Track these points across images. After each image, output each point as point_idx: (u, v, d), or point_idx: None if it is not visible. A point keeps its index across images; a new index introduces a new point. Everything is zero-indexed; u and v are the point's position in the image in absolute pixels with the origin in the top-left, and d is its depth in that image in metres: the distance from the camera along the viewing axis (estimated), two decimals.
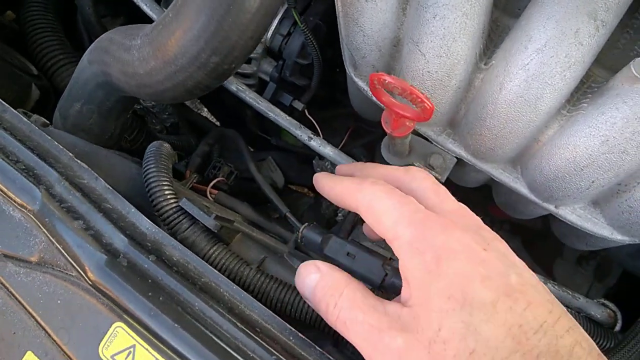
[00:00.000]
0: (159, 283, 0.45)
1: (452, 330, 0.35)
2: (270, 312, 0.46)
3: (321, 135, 0.97)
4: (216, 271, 0.47)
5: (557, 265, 1.24)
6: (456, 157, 0.68)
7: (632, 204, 0.59)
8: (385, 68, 0.70)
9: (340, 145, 1.04)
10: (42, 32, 0.93)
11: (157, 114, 1.38)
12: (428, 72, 0.62)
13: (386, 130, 0.56)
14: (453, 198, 0.47)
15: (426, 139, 0.69)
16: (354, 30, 0.66)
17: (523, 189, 0.65)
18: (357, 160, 1.16)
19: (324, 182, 0.52)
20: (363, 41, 0.67)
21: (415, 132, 0.70)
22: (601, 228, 0.63)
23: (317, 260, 0.46)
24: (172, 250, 0.47)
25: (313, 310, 0.55)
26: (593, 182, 0.58)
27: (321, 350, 0.46)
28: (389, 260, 0.63)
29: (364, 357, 0.39)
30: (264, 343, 0.43)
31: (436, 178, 0.67)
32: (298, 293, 0.56)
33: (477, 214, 1.23)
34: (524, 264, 0.41)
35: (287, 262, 0.63)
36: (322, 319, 0.55)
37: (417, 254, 0.40)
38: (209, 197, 0.75)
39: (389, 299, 0.49)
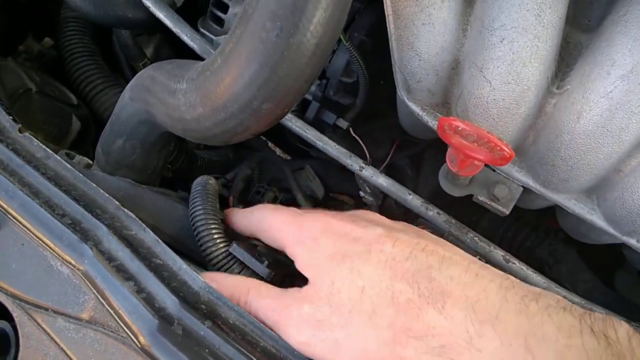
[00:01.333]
0: (217, 352, 0.42)
1: (342, 278, 0.43)
2: None
3: (367, 154, 0.93)
4: (275, 335, 0.44)
5: (619, 276, 1.16)
6: (523, 187, 0.62)
7: None
8: (442, 92, 0.65)
9: (387, 161, 0.99)
10: (80, 56, 0.92)
11: None
12: (494, 99, 0.56)
13: (451, 168, 0.51)
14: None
15: (490, 166, 0.64)
16: (408, 55, 0.61)
17: (600, 222, 0.59)
18: (402, 174, 1.12)
19: (230, 218, 0.59)
20: (419, 65, 0.62)
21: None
22: None
23: (209, 273, 0.51)
24: (228, 312, 0.44)
25: None
26: None
27: None
28: None
29: (281, 335, 0.44)
30: None
31: (500, 210, 0.62)
32: None
33: (528, 222, 1.15)
34: (400, 224, 0.50)
35: None
36: None
37: (300, 245, 0.48)
38: None
39: None
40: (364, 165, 0.67)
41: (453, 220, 0.63)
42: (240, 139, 0.52)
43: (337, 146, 0.68)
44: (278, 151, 1.74)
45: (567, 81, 0.56)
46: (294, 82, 0.44)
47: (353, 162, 0.67)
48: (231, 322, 0.45)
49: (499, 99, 0.56)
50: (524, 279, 0.61)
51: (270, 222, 0.52)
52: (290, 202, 0.86)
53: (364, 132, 0.97)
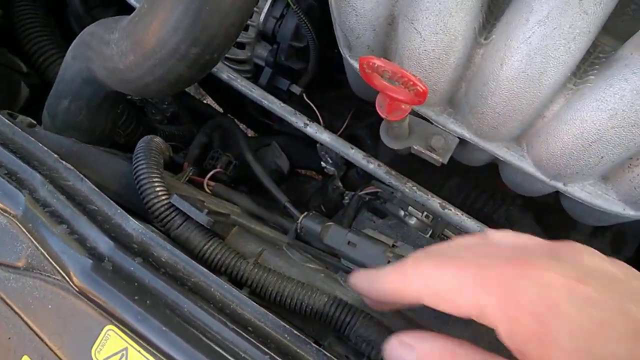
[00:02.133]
0: (146, 286, 0.43)
1: None
2: (263, 309, 0.44)
3: (321, 120, 0.94)
4: (206, 270, 0.45)
5: (572, 238, 1.21)
6: (458, 137, 0.65)
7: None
8: (381, 48, 0.66)
9: (342, 129, 1.01)
10: (32, 27, 0.91)
11: (156, 104, 1.36)
12: (425, 50, 0.58)
13: (381, 114, 0.53)
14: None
15: (427, 119, 0.66)
16: (346, 11, 0.63)
17: (529, 168, 0.62)
18: (361, 143, 1.13)
19: (361, 285, 0.43)
20: (356, 21, 0.64)
21: (415, 113, 0.67)
22: (612, 204, 0.60)
23: (406, 334, 0.37)
24: (161, 251, 0.46)
25: (313, 302, 0.53)
26: (602, 157, 0.55)
27: (317, 346, 0.44)
28: (392, 248, 0.61)
29: None
30: (256, 342, 0.42)
31: (436, 159, 0.64)
32: (297, 284, 0.55)
33: (485, 190, 1.18)
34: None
35: (286, 254, 0.62)
36: (322, 311, 0.53)
37: (514, 323, 0.32)
38: (207, 189, 0.73)
39: None
40: (308, 122, 0.68)
41: (393, 172, 0.66)
42: (176, 88, 0.53)
43: (282, 104, 0.70)
44: (249, 133, 1.75)
45: (493, 32, 0.58)
46: (219, 25, 0.46)
47: (298, 120, 0.69)
48: (163, 259, 0.46)
49: (429, 49, 0.58)
50: (459, 224, 0.64)
51: (446, 284, 0.35)
52: (242, 164, 0.87)
53: (322, 102, 0.99)
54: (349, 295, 0.58)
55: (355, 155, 0.66)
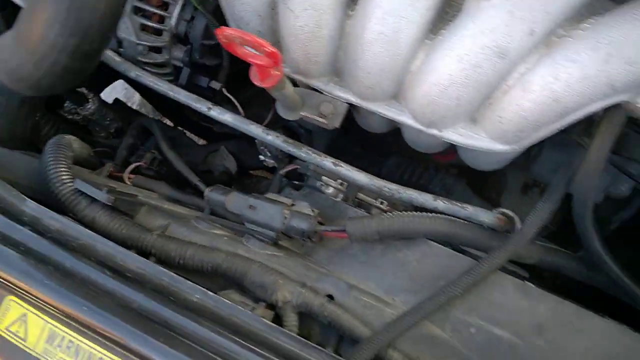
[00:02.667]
0: (32, 249, 0.48)
1: None
2: (144, 259, 0.50)
3: (241, 111, 1.00)
4: (92, 232, 0.51)
5: (504, 198, 1.28)
6: (347, 103, 0.72)
7: (501, 114, 0.63)
8: (270, 32, 0.73)
9: (268, 120, 1.07)
10: None
11: (97, 121, 1.41)
12: (300, 26, 0.65)
13: (255, 82, 0.59)
14: None
15: (317, 90, 0.73)
16: (232, 1, 0.69)
17: (408, 120, 0.69)
18: (295, 134, 1.20)
19: None
20: (243, 9, 0.70)
21: (306, 86, 0.73)
22: (484, 142, 0.67)
23: None
24: (50, 221, 0.51)
25: (212, 259, 0.59)
26: (459, 99, 0.62)
27: (211, 291, 0.50)
28: (289, 206, 0.67)
29: None
30: (131, 286, 0.47)
31: (326, 123, 0.70)
32: (197, 247, 0.61)
33: (422, 162, 1.24)
34: None
35: (193, 225, 0.67)
36: (220, 266, 0.59)
37: None
38: (127, 182, 0.78)
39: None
40: (211, 106, 0.75)
41: (290, 140, 0.72)
42: (68, 82, 0.59)
43: (187, 93, 0.76)
44: (196, 138, 1.80)
45: (357, 3, 0.65)
46: (92, 16, 0.52)
47: (201, 105, 0.75)
48: (53, 229, 0.51)
49: (303, 24, 0.65)
50: (349, 178, 0.70)
51: None
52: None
53: (249, 97, 1.05)
54: (251, 252, 0.64)
55: (255, 129, 0.72)
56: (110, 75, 1.04)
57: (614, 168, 0.94)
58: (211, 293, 0.49)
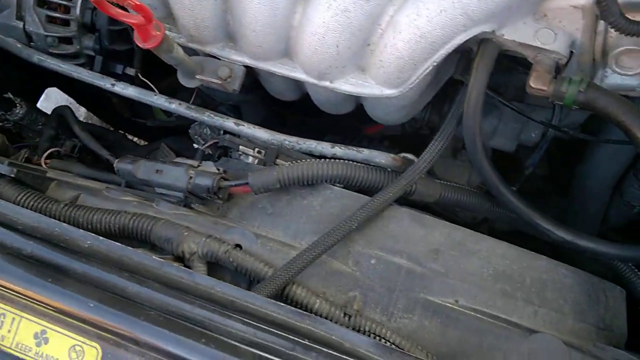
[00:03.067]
0: None
1: None
2: (46, 217, 0.51)
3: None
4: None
5: (436, 164, 1.32)
6: (244, 66, 0.74)
7: (381, 58, 0.66)
8: (162, 5, 0.75)
9: (192, 100, 1.09)
10: None
11: (29, 126, 1.40)
12: None
13: (139, 44, 0.61)
14: None
15: (215, 57, 0.75)
16: None
17: (301, 75, 0.72)
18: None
19: None
20: None
21: (205, 54, 0.76)
22: (372, 89, 0.70)
23: None
24: None
25: (118, 221, 0.61)
26: (337, 45, 0.65)
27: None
28: (195, 167, 0.69)
29: None
30: (40, 244, 0.49)
31: (226, 87, 0.73)
32: (104, 212, 0.62)
33: (355, 137, 1.27)
34: None
35: (103, 194, 0.69)
36: (127, 225, 0.60)
37: None
38: (44, 166, 0.79)
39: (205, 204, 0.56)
40: (114, 82, 0.76)
41: (192, 107, 0.74)
42: None
43: (89, 72, 0.78)
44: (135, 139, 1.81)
45: None
46: None
47: (105, 82, 0.77)
48: None
49: None
50: (251, 136, 0.73)
51: None
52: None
53: (170, 84, 1.07)
54: (160, 213, 0.66)
55: (158, 99, 0.74)
56: (40, 79, 1.05)
57: (522, 117, 0.99)
58: (102, 238, 0.51)
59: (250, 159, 0.83)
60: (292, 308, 0.50)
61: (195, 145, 1.04)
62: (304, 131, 1.38)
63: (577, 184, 1.03)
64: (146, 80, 0.99)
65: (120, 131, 1.47)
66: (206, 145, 0.93)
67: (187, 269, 0.55)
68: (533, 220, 0.69)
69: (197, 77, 0.72)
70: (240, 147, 0.83)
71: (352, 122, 1.15)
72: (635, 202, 0.82)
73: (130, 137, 1.58)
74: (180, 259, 0.63)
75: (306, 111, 1.00)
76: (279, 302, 0.49)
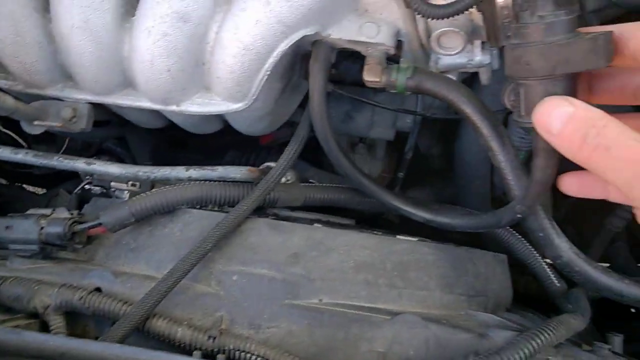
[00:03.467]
0: None
1: None
2: None
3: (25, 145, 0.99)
4: None
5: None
6: (88, 103, 0.73)
7: (219, 75, 0.67)
8: None
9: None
10: None
11: None
12: (1, 39, 0.66)
13: None
14: None
15: (57, 98, 0.73)
16: None
17: (147, 103, 0.71)
18: None
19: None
20: None
21: (49, 98, 0.74)
22: (220, 106, 0.70)
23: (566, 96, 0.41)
24: None
25: None
26: (169, 70, 0.65)
27: None
28: (47, 216, 0.67)
29: (624, 182, 0.38)
30: None
31: (72, 128, 0.71)
32: None
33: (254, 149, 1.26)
34: None
35: None
36: None
37: None
38: None
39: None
40: None
41: (39, 153, 0.73)
42: None
43: None
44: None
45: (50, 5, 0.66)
46: None
47: None
48: None
49: (3, 37, 0.66)
50: (104, 173, 0.72)
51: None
52: None
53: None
54: (11, 271, 0.64)
55: (2, 152, 0.72)
56: None
57: (395, 105, 1.02)
58: None
59: (126, 194, 0.81)
60: (133, 348, 0.49)
61: (87, 187, 1.01)
62: (205, 151, 1.38)
63: (458, 161, 1.07)
64: (8, 132, 0.96)
65: (17, 184, 1.41)
66: (76, 190, 0.91)
67: (9, 328, 0.53)
68: (394, 204, 0.71)
69: (36, 123, 0.70)
70: (112, 183, 0.81)
71: (251, 136, 1.16)
72: None
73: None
74: (35, 315, 0.60)
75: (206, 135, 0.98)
76: (114, 344, 0.48)
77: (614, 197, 0.46)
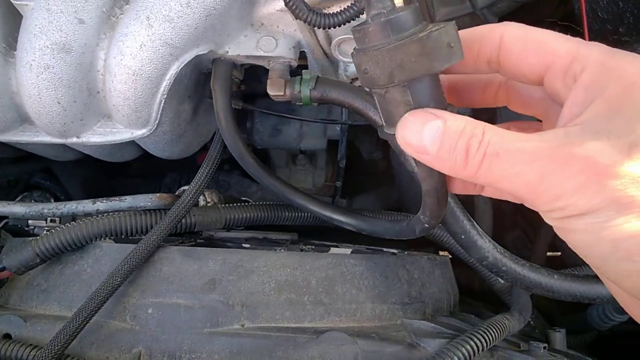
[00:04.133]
0: None
1: None
2: None
3: None
4: None
5: (280, 173, 1.32)
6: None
7: (114, 102, 0.64)
8: None
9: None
10: None
11: None
12: None
13: None
14: None
15: None
16: None
17: (46, 138, 0.69)
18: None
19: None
20: None
21: None
22: (123, 134, 0.68)
23: (429, 108, 0.36)
24: None
25: None
26: (59, 102, 0.62)
27: None
28: None
29: (525, 186, 0.33)
30: None
31: None
32: None
33: (192, 168, 1.24)
34: None
35: None
36: None
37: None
38: None
39: None
40: None
41: None
42: None
43: None
44: None
45: None
46: None
47: None
48: None
49: None
50: (9, 214, 0.69)
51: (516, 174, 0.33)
52: None
53: None
54: None
55: None
56: None
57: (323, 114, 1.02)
58: None
59: (45, 231, 0.78)
60: None
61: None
62: (146, 175, 1.34)
63: (396, 166, 1.07)
64: None
65: None
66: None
67: None
68: (324, 215, 0.69)
69: None
70: (29, 221, 0.78)
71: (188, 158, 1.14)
72: None
73: None
74: None
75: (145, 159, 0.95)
76: None
77: (487, 191, 0.45)
